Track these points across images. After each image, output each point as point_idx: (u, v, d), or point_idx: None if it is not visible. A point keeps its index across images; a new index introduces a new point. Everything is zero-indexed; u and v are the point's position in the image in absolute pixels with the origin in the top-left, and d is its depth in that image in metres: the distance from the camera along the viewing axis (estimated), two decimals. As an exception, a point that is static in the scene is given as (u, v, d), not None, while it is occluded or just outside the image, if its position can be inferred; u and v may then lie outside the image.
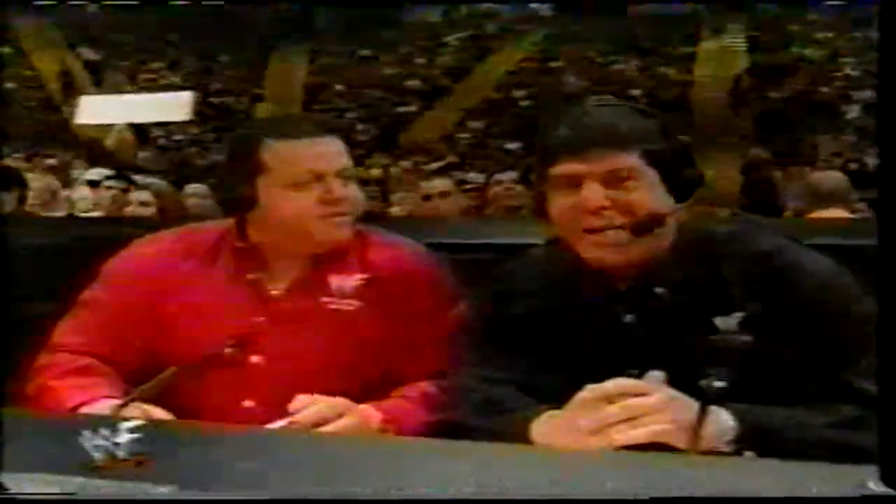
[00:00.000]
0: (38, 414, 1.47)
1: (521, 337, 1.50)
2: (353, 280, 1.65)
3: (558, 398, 1.40)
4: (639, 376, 1.33)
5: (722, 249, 1.45)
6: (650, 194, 1.41)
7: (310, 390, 1.53)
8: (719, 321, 1.34)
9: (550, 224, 1.48)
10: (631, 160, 1.40)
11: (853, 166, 7.31)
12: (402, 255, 1.68)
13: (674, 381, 1.33)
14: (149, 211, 4.42)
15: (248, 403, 1.60)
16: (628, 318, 1.46)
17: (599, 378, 1.38)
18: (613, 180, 1.40)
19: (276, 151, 1.62)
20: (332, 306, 1.64)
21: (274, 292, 1.65)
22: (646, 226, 1.40)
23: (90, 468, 0.94)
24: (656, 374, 1.32)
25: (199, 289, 1.66)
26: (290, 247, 1.65)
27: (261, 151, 1.62)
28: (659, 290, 1.44)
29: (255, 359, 1.60)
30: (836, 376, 1.33)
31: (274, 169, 1.62)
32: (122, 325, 1.64)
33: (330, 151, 1.64)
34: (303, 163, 1.61)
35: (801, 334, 1.37)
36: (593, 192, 1.39)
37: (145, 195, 4.62)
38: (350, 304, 1.64)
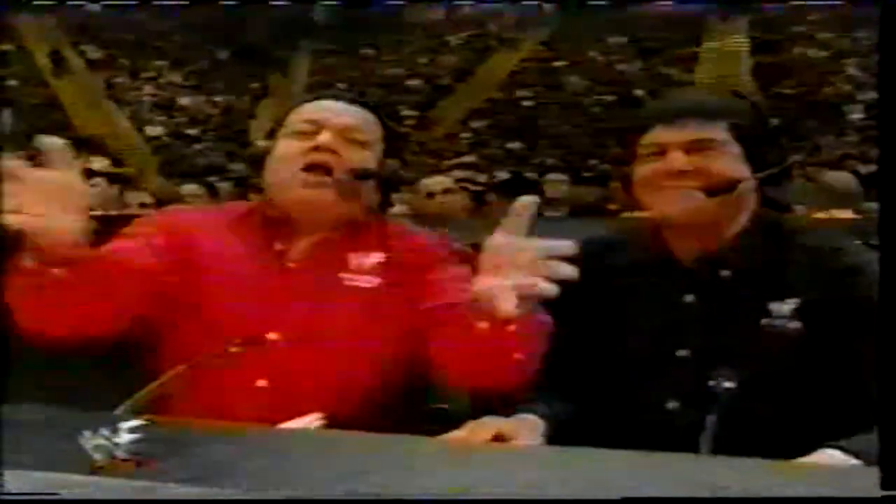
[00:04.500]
0: (38, 413, 1.46)
1: (580, 311, 1.55)
2: (372, 258, 1.63)
3: (608, 371, 1.51)
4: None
5: (792, 240, 1.51)
6: (729, 163, 1.50)
7: (325, 369, 1.51)
8: (774, 306, 1.43)
9: (631, 197, 1.57)
10: (715, 131, 1.50)
11: (859, 167, 7.28)
12: (423, 240, 1.67)
13: (719, 364, 1.38)
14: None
15: (261, 383, 1.56)
16: (689, 297, 1.51)
17: (651, 354, 1.49)
18: (696, 149, 1.49)
19: (296, 109, 1.68)
20: (350, 283, 1.62)
21: (291, 265, 1.63)
22: (718, 188, 1.48)
23: (90, 468, 0.93)
24: None
25: (228, 252, 1.63)
26: (286, 209, 1.63)
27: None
28: (724, 272, 1.50)
29: (270, 336, 1.56)
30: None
31: (286, 122, 1.68)
32: (148, 258, 1.58)
33: (337, 109, 1.65)
34: (305, 113, 1.65)
35: (855, 334, 1.39)
36: (677, 158, 1.49)
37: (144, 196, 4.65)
38: (369, 282, 1.62)
